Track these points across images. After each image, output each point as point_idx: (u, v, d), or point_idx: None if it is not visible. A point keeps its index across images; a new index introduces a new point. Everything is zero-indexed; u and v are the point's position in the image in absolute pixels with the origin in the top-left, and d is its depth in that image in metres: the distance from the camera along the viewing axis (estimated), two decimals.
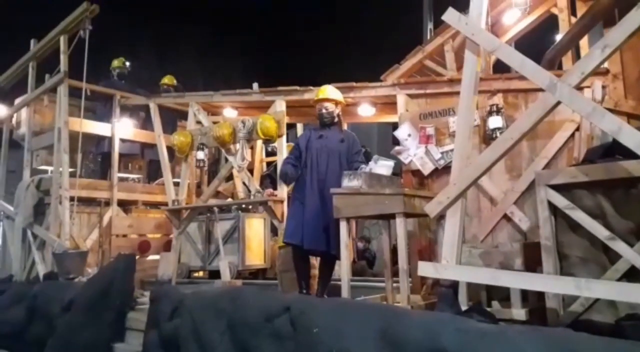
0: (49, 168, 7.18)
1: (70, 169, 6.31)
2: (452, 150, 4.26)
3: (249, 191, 6.56)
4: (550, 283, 2.58)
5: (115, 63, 7.82)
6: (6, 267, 7.19)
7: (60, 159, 6.17)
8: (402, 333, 2.61)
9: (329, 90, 4.41)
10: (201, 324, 3.63)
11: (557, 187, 2.97)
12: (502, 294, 3.42)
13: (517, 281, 2.74)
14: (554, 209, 3.00)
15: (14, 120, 7.77)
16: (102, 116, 7.31)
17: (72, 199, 6.08)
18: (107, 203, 6.75)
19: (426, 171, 4.47)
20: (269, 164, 8.12)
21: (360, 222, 8.53)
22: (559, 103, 2.66)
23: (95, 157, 7.57)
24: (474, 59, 3.16)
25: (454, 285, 2.95)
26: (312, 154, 4.25)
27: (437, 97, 4.68)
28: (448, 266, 2.88)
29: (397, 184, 3.89)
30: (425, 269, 2.94)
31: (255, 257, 6.38)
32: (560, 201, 2.94)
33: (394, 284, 3.84)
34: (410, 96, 4.82)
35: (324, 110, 4.34)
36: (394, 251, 4.27)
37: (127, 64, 7.89)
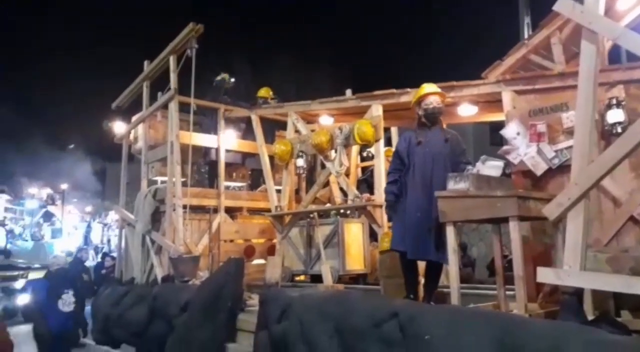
0: (160, 178, 7.75)
1: (182, 179, 6.77)
2: (567, 148, 3.99)
3: (345, 196, 6.61)
4: None
5: (220, 78, 8.26)
6: (128, 271, 7.86)
7: (173, 170, 6.64)
8: (523, 343, 2.47)
9: (434, 85, 4.33)
10: (309, 328, 3.69)
11: None
12: (632, 303, 3.11)
13: None
14: None
15: (131, 136, 8.51)
16: (207, 129, 7.76)
17: (184, 206, 6.52)
18: (215, 210, 7.12)
19: (539, 171, 4.20)
20: (364, 169, 8.12)
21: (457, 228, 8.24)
22: None
23: (199, 167, 8.03)
24: (592, 49, 2.93)
25: (578, 292, 2.75)
26: (414, 161, 4.13)
27: (547, 92, 4.38)
28: (571, 272, 2.68)
29: (508, 185, 3.69)
30: (545, 275, 2.77)
31: (355, 262, 6.39)
32: None
33: (507, 292, 3.65)
34: (518, 92, 4.56)
35: (434, 104, 4.21)
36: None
37: (232, 80, 8.30)
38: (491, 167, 3.59)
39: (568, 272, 2.68)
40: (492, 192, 3.30)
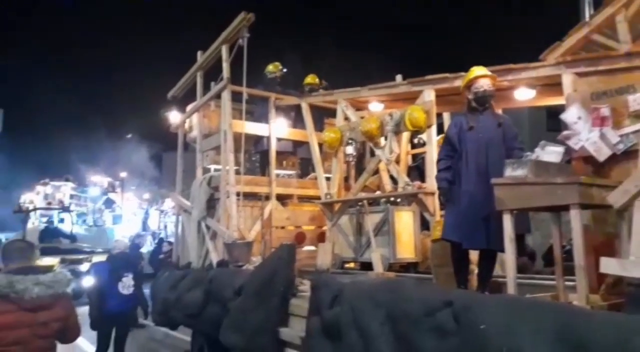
0: (213, 166, 7.95)
1: (235, 167, 6.92)
2: (633, 132, 3.77)
3: (395, 183, 6.55)
4: None
5: (271, 68, 8.35)
6: (185, 256, 8.16)
7: (227, 158, 6.80)
8: (585, 336, 2.38)
9: (483, 68, 4.21)
10: (361, 314, 3.71)
11: None
12: None
13: None
14: None
15: (186, 125, 8.76)
16: (259, 117, 7.87)
17: (237, 194, 6.67)
18: (267, 197, 7.24)
19: (602, 157, 3.99)
20: (415, 156, 8.01)
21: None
22: None
23: (250, 155, 8.18)
24: None
25: None
26: (467, 147, 4.04)
27: (612, 73, 4.14)
28: (638, 263, 2.55)
29: (569, 172, 3.54)
30: (609, 265, 2.65)
31: (406, 250, 6.34)
32: None
33: (566, 283, 3.52)
34: (579, 75, 4.34)
35: (485, 88, 4.10)
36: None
37: (283, 69, 8.36)
38: (551, 153, 3.45)
39: (634, 263, 2.55)
40: (552, 179, 3.17)
